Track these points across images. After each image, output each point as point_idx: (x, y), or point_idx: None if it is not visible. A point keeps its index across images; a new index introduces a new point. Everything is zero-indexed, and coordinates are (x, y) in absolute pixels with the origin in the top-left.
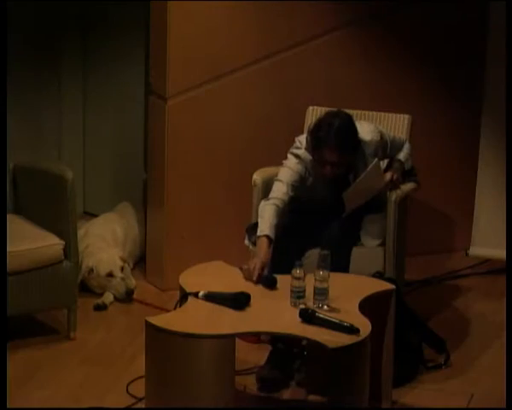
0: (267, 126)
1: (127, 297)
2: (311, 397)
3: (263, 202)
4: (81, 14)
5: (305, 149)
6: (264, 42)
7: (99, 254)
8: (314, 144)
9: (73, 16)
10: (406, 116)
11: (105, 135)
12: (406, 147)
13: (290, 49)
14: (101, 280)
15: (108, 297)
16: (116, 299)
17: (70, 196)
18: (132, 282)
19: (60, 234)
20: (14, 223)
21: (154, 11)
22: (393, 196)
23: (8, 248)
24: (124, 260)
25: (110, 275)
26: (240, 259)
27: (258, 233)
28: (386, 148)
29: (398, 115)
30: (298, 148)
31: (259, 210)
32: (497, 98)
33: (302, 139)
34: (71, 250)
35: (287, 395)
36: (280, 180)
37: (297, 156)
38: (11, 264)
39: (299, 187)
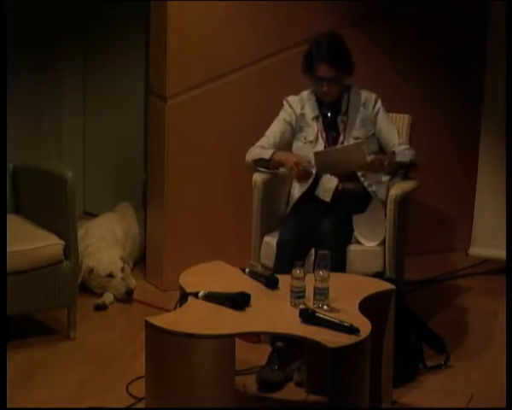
0: (267, 126)
1: (127, 297)
2: (311, 397)
3: (251, 149)
4: (81, 13)
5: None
6: (263, 42)
7: (99, 255)
8: (308, 64)
9: (74, 16)
10: (406, 116)
11: (105, 135)
12: (406, 146)
13: (290, 49)
14: (101, 280)
15: (108, 297)
16: (116, 299)
17: (70, 196)
18: (132, 282)
19: (60, 234)
20: (14, 223)
21: (154, 11)
22: (393, 195)
23: (8, 249)
24: (124, 261)
25: (110, 275)
26: (240, 259)
27: (268, 155)
28: (375, 110)
29: (398, 115)
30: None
31: (251, 154)
32: (496, 98)
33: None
34: (71, 250)
35: (287, 395)
36: (265, 136)
37: (286, 101)
38: (11, 264)
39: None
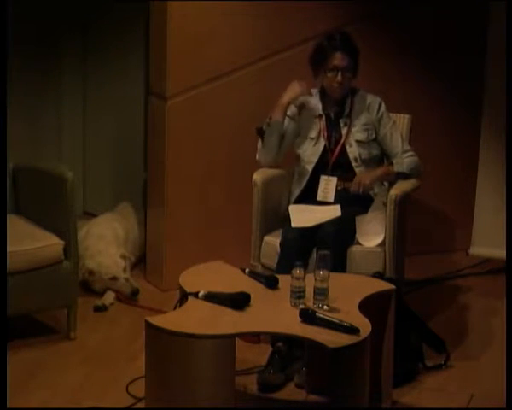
0: None
1: (132, 297)
2: (311, 397)
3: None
4: (81, 13)
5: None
6: (263, 42)
7: (99, 258)
8: (321, 56)
9: (73, 16)
10: (406, 116)
11: (105, 135)
12: (411, 157)
13: (290, 49)
14: (104, 282)
15: (108, 299)
16: (118, 299)
17: (70, 196)
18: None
19: (60, 234)
20: (14, 223)
21: (154, 11)
22: (393, 195)
23: (8, 249)
24: (125, 258)
25: (114, 278)
26: (240, 259)
27: (265, 124)
28: (378, 114)
29: (398, 115)
30: None
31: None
32: (497, 98)
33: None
34: (71, 250)
35: (287, 395)
36: None
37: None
38: (11, 264)
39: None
